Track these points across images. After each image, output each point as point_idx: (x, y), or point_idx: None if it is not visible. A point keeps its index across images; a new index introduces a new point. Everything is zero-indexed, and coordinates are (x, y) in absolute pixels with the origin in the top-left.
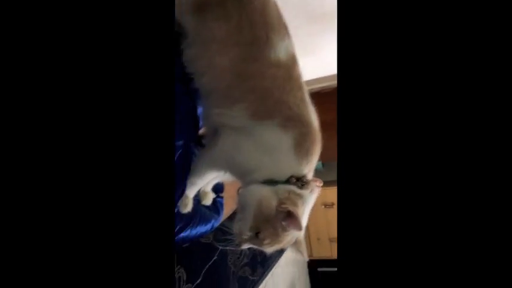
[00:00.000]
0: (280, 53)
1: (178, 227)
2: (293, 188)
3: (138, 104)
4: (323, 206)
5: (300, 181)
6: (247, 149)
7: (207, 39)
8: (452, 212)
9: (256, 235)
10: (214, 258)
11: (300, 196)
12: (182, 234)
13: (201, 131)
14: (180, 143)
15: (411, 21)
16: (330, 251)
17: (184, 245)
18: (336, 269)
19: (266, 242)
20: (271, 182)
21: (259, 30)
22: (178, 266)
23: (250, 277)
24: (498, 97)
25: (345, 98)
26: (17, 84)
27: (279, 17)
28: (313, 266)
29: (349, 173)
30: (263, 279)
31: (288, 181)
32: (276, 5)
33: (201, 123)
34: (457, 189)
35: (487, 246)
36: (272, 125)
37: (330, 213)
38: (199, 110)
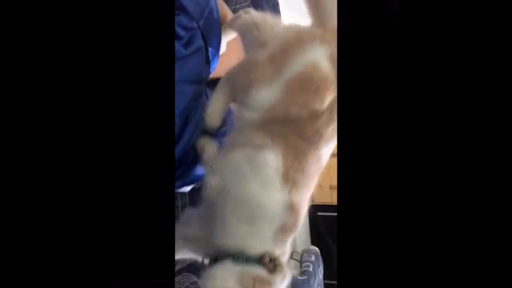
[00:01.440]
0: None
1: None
2: (262, 272)
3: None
4: None
5: (273, 262)
6: (247, 177)
7: None
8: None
9: None
10: None
11: (269, 284)
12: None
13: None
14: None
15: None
16: (331, 198)
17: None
18: (335, 213)
19: None
20: (242, 257)
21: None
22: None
23: None
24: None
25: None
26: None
27: None
28: (314, 210)
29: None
30: None
31: (260, 260)
32: None
33: (212, 67)
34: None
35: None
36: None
37: (332, 162)
38: (210, 50)
